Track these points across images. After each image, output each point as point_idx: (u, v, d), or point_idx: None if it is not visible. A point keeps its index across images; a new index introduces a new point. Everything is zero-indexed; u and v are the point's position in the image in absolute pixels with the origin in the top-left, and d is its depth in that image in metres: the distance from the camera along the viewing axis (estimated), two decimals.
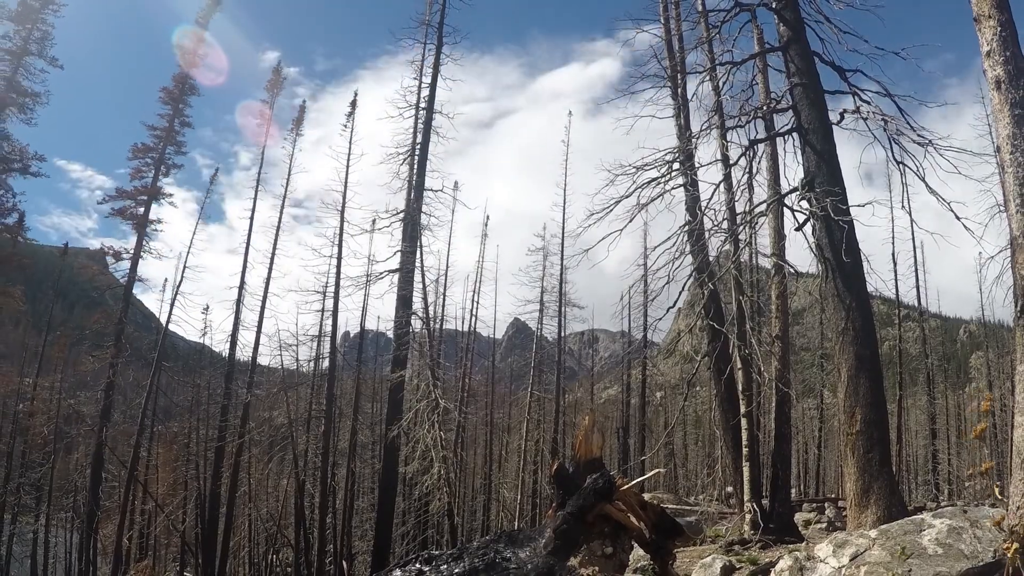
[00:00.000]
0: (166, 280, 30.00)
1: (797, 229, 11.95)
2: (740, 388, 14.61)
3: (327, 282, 26.60)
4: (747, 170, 12.58)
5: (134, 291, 27.66)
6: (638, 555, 6.57)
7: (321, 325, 27.68)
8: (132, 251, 26.25)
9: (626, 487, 3.89)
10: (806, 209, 11.30)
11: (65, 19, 24.52)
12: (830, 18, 11.83)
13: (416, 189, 23.92)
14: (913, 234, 29.45)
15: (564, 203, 31.13)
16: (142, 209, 26.46)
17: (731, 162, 13.22)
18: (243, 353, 28.40)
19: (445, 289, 30.45)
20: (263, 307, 27.64)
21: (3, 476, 31.57)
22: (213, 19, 28.73)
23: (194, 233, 27.94)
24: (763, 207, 13.18)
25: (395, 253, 23.60)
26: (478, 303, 35.28)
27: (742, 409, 14.37)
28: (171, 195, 27.34)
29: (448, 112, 24.41)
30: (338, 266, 26.16)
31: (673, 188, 13.35)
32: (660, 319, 16.33)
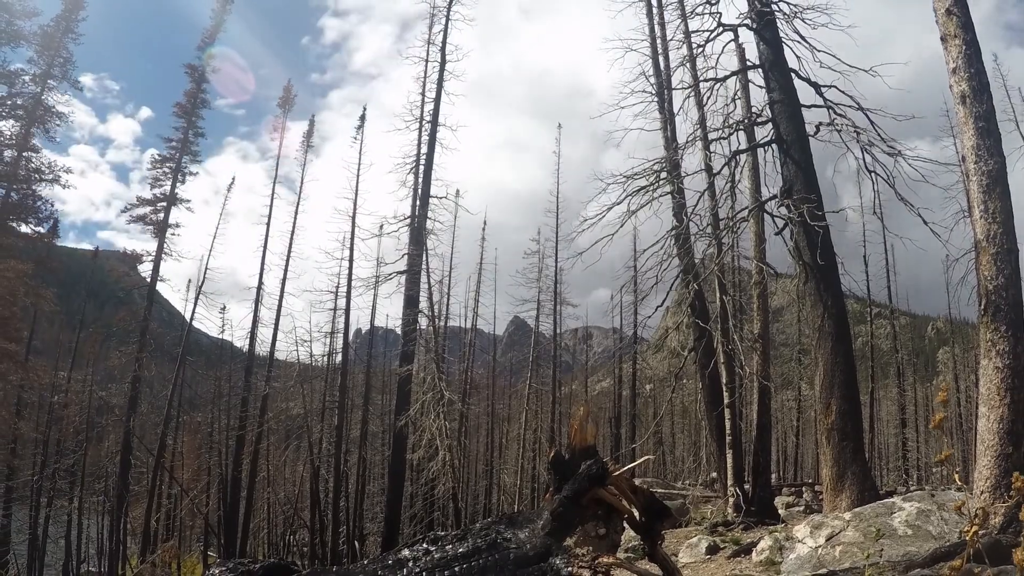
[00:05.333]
0: (189, 280, 29.99)
1: (777, 233, 11.97)
2: (724, 381, 14.61)
3: (339, 283, 26.68)
4: (730, 179, 12.63)
5: (160, 291, 27.66)
6: (629, 536, 6.58)
7: (334, 323, 27.75)
8: (154, 254, 26.23)
9: (618, 473, 3.89)
10: (785, 215, 11.31)
11: (84, 46, 24.72)
12: (806, 38, 11.85)
13: (422, 197, 23.92)
14: (884, 238, 29.30)
15: (557, 209, 31.27)
16: (162, 215, 26.41)
17: (715, 171, 13.26)
18: (262, 348, 28.44)
19: (449, 289, 30.50)
20: (280, 306, 27.67)
21: (40, 463, 31.56)
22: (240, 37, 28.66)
23: (214, 238, 27.95)
24: (745, 213, 13.18)
25: (402, 256, 23.58)
26: (479, 302, 35.39)
27: (725, 400, 14.38)
28: (189, 200, 27.26)
29: (452, 124, 24.49)
30: (350, 268, 26.21)
31: (661, 196, 13.39)
32: (649, 317, 16.29)
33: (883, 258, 30.98)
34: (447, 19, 24.68)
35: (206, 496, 31.83)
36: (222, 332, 32.66)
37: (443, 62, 24.52)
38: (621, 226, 12.68)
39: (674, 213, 14.24)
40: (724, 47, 13.16)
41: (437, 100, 24.40)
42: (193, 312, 27.54)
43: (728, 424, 14.32)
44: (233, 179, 30.84)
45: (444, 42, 24.65)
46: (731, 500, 13.81)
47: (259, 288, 27.54)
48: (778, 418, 41.58)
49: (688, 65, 14.86)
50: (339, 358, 28.14)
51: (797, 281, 12.38)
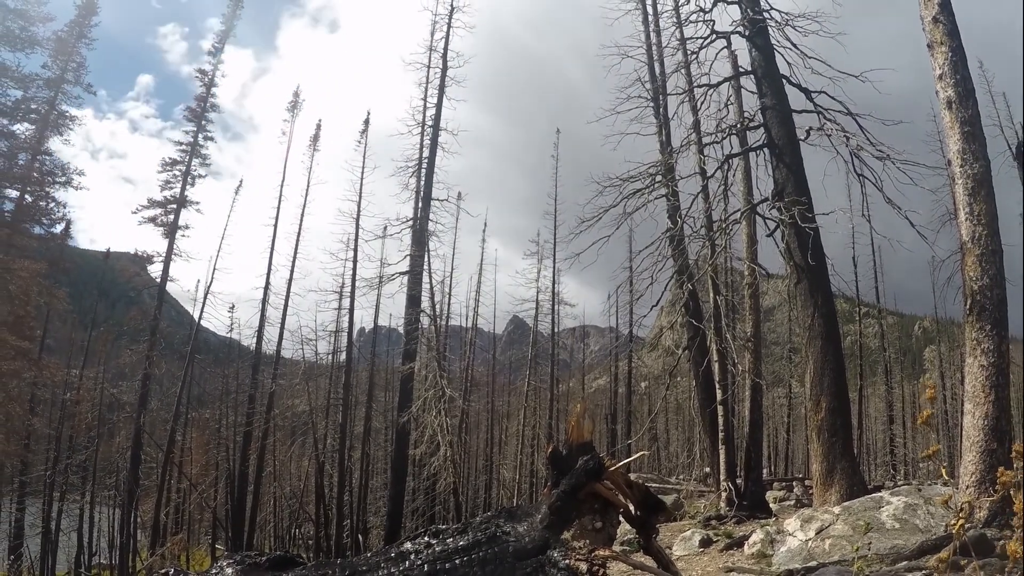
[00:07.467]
0: (198, 281, 29.93)
1: (768, 235, 11.99)
2: (716, 379, 14.61)
3: (343, 283, 26.68)
4: (723, 182, 12.63)
5: (170, 291, 27.57)
6: (625, 529, 6.57)
7: (338, 322, 27.75)
8: (164, 255, 26.13)
9: (614, 468, 3.88)
10: (776, 217, 11.31)
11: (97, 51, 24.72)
12: (797, 44, 11.87)
13: (424, 199, 23.94)
14: (872, 239, 29.28)
15: (555, 212, 31.24)
16: (171, 217, 26.31)
17: (708, 175, 13.26)
18: (268, 347, 28.39)
19: (450, 289, 30.51)
20: (286, 305, 27.64)
21: (52, 458, 31.53)
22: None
23: (222, 240, 27.86)
24: (737, 215, 13.20)
25: (405, 257, 23.60)
26: (480, 301, 35.41)
27: (718, 397, 14.37)
28: (198, 202, 27.08)
29: (453, 129, 24.51)
30: (354, 269, 26.20)
31: (656, 198, 13.40)
32: (644, 316, 16.30)
33: (871, 259, 31.03)
34: (448, 26, 24.75)
35: (214, 490, 31.81)
36: (230, 331, 32.70)
37: (444, 68, 24.56)
38: (617, 228, 12.70)
39: (669, 215, 14.25)
40: (718, 54, 13.19)
41: (439, 105, 24.44)
42: (202, 311, 27.53)
43: (721, 420, 14.32)
44: (241, 182, 30.87)
45: (446, 49, 24.73)
46: (724, 495, 13.80)
47: (266, 288, 27.54)
48: (769, 415, 41.55)
49: (683, 71, 14.86)
50: (343, 356, 28.10)
51: (788, 281, 12.37)
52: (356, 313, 27.16)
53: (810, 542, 7.44)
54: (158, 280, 26.64)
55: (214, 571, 3.58)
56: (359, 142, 26.97)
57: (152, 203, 26.58)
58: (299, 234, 27.85)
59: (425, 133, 24.25)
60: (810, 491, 15.25)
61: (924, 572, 5.52)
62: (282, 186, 28.46)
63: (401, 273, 23.56)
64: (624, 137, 14.87)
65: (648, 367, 50.43)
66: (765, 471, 28.34)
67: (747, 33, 12.01)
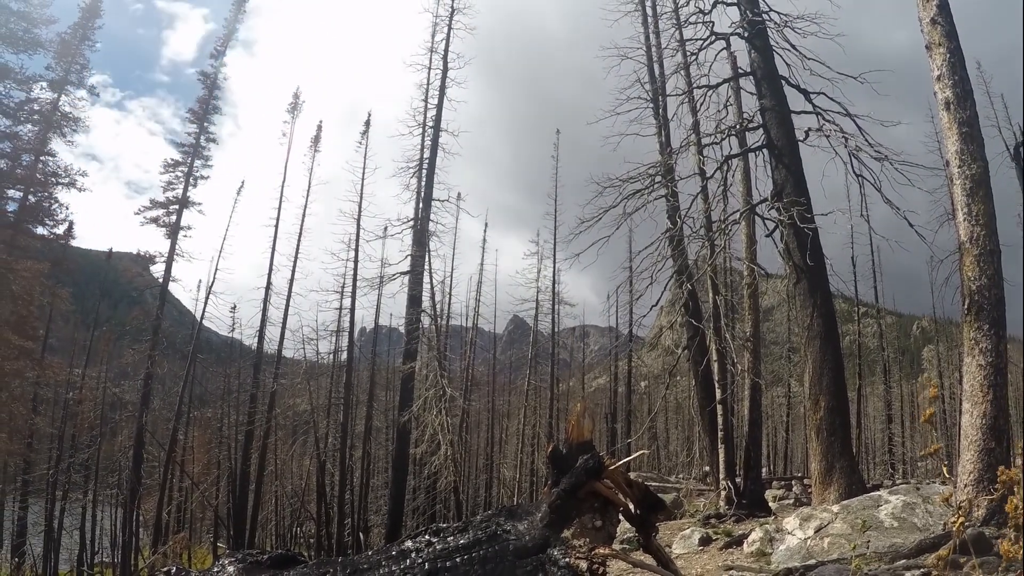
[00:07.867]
0: (200, 281, 29.90)
1: (767, 235, 12.01)
2: (716, 378, 14.61)
3: (344, 283, 26.66)
4: (722, 182, 12.63)
5: (172, 291, 27.53)
6: (624, 527, 6.57)
7: (339, 321, 27.70)
8: (166, 255, 26.07)
9: (614, 467, 3.88)
10: (775, 218, 11.32)
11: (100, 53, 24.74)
12: (796, 46, 11.87)
13: (424, 200, 23.95)
14: (871, 239, 29.20)
15: (555, 212, 31.23)
16: (174, 217, 26.24)
17: (707, 175, 13.27)
18: (269, 347, 28.35)
19: (451, 289, 30.50)
20: (287, 305, 27.60)
21: (55, 457, 31.50)
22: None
23: (224, 240, 27.82)
24: (736, 216, 13.19)
25: (406, 257, 23.61)
26: (480, 301, 35.42)
27: (718, 397, 14.38)
28: (200, 203, 26.98)
29: (453, 130, 24.54)
30: (355, 268, 26.18)
31: (655, 199, 13.41)
32: (644, 316, 16.30)
33: (870, 259, 31.01)
34: (449, 28, 24.77)
35: (216, 489, 31.79)
36: (232, 331, 32.63)
37: (445, 69, 24.59)
38: (617, 228, 12.72)
39: (668, 215, 14.27)
40: (717, 55, 13.21)
41: (439, 106, 24.45)
42: (204, 311, 27.47)
43: (720, 420, 14.33)
44: (243, 183, 30.63)
45: (446, 50, 24.75)
46: (723, 493, 13.81)
47: (268, 288, 27.50)
48: (768, 414, 41.53)
49: (682, 72, 14.87)
50: (344, 356, 28.11)
51: (787, 281, 12.38)
52: (357, 313, 27.25)
53: (809, 540, 7.45)
54: (160, 280, 26.61)
55: (216, 569, 3.58)
56: (360, 143, 26.97)
57: (155, 204, 26.55)
58: (300, 234, 27.83)
59: (425, 134, 24.29)
60: (809, 490, 15.25)
61: (923, 570, 5.52)
62: (283, 186, 28.41)
63: (402, 273, 23.58)
64: (624, 138, 14.90)
65: (648, 366, 50.40)
66: (764, 470, 28.32)
67: (746, 35, 12.03)
